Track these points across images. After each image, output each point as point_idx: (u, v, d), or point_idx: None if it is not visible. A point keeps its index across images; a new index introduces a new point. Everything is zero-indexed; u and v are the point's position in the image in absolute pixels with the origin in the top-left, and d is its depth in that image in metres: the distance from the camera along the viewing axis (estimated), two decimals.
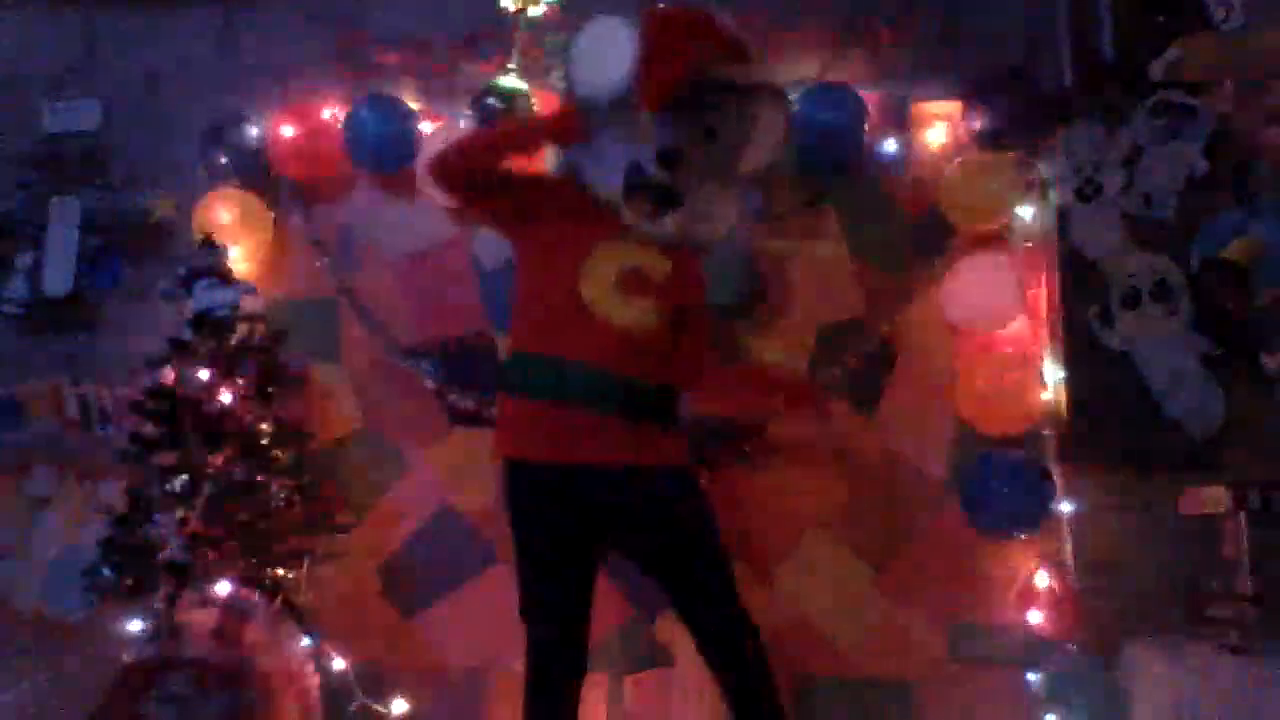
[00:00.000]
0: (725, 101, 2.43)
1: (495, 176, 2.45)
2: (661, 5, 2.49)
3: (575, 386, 2.33)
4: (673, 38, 2.33)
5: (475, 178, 2.45)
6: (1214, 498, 2.72)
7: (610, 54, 2.31)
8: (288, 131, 3.31)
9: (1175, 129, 3.02)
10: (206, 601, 2.82)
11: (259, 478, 2.93)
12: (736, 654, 2.38)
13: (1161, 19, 3.06)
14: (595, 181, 2.42)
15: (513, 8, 3.18)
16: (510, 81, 3.16)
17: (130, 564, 2.86)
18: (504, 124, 2.67)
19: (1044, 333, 3.11)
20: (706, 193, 2.44)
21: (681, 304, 2.47)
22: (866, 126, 3.12)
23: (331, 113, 3.33)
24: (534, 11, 3.17)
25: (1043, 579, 2.95)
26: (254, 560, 2.90)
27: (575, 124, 2.40)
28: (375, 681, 3.06)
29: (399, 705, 3.04)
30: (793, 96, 3.10)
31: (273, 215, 3.36)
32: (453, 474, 3.23)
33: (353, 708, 3.01)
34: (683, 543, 2.40)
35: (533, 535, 2.41)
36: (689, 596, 2.41)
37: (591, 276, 2.36)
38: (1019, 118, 3.08)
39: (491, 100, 3.14)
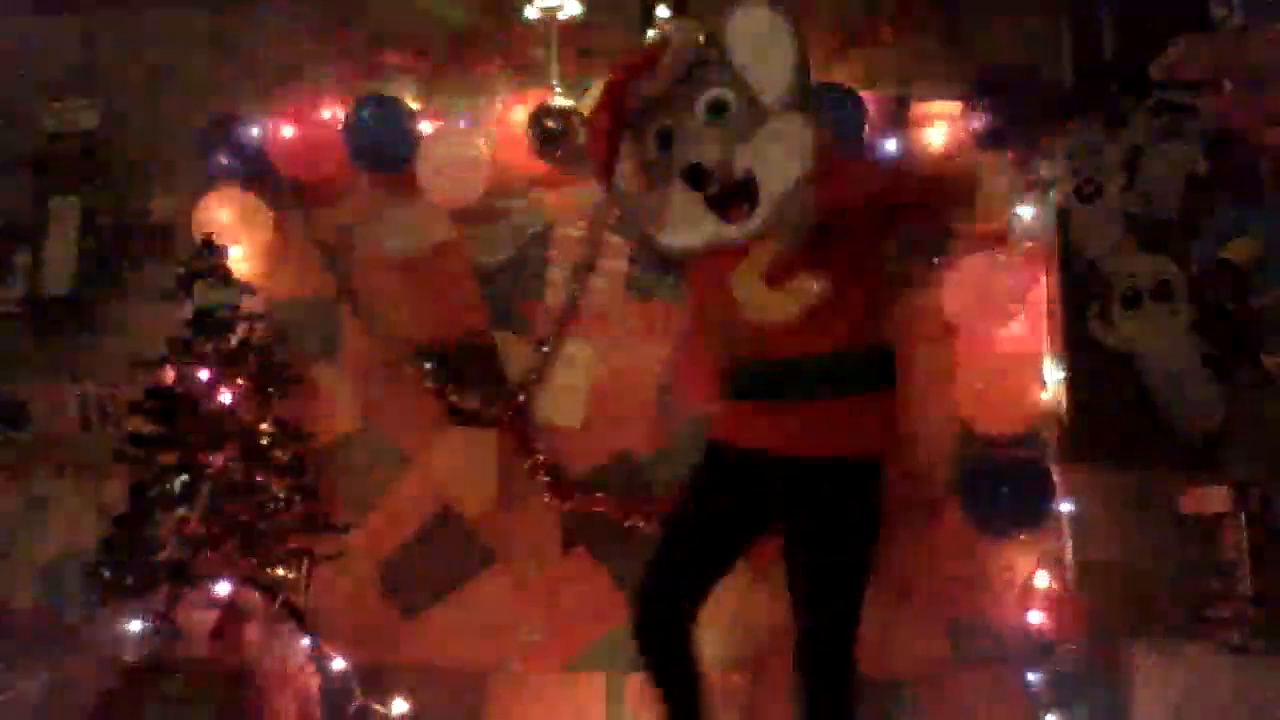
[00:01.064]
0: (699, 72, 2.37)
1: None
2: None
3: (759, 383, 2.36)
4: (598, 129, 2.42)
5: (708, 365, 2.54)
6: (1214, 498, 2.72)
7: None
8: (288, 131, 3.31)
9: (1175, 129, 3.01)
10: (206, 601, 2.82)
11: (259, 478, 2.94)
12: (821, 675, 2.40)
13: (1161, 19, 3.06)
14: (690, 241, 2.41)
15: (536, 15, 3.18)
16: (561, 101, 3.15)
17: (130, 564, 2.86)
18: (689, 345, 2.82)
19: (1044, 333, 3.11)
20: (765, 148, 2.33)
21: (838, 228, 2.33)
22: (866, 126, 3.12)
23: (331, 113, 3.33)
24: (562, 17, 3.18)
25: (1043, 579, 2.95)
26: (254, 560, 2.90)
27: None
28: (375, 681, 3.06)
29: (399, 705, 3.03)
30: None
31: (273, 215, 3.37)
32: (453, 474, 3.23)
33: (353, 708, 3.01)
34: (827, 540, 2.36)
35: (699, 504, 2.45)
36: (808, 596, 2.38)
37: (745, 298, 2.35)
38: (1019, 118, 3.08)
39: (550, 123, 3.14)
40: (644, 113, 2.42)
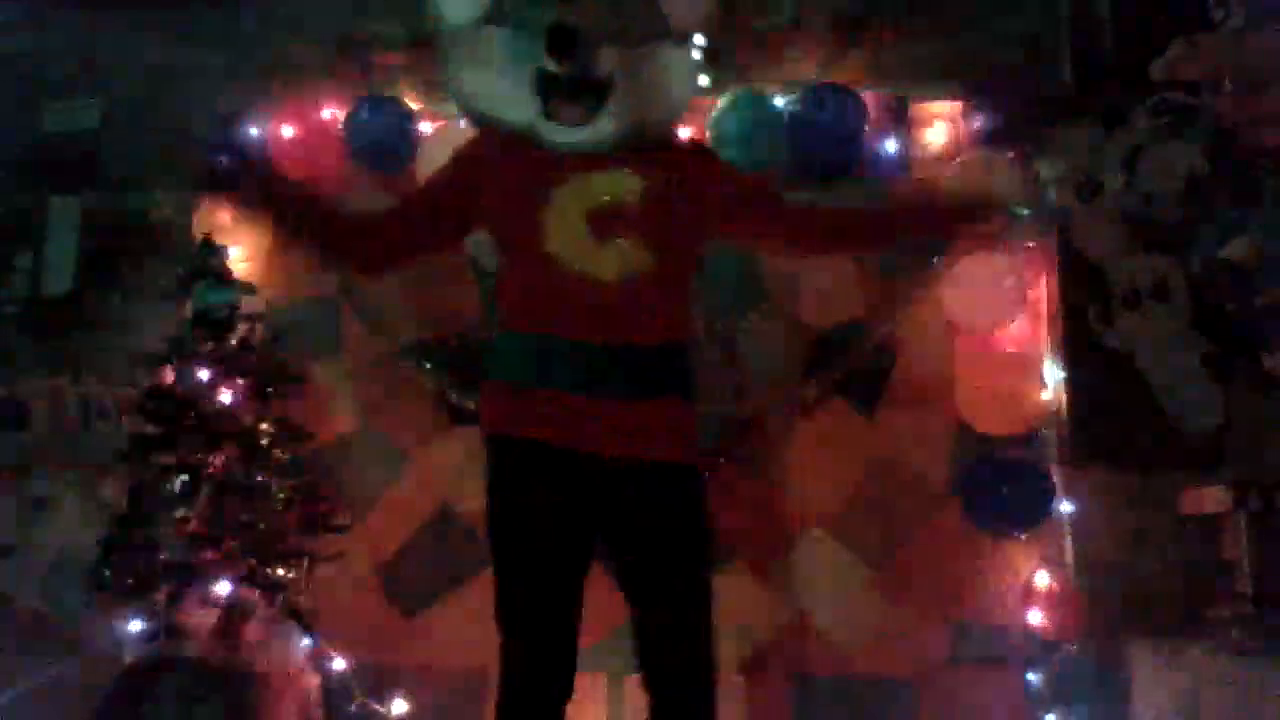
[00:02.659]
0: None
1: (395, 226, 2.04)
2: None
3: (560, 367, 1.95)
4: None
5: (385, 253, 2.07)
6: (1214, 498, 2.72)
7: None
8: (288, 131, 3.31)
9: (1175, 129, 3.02)
10: (206, 601, 2.82)
11: (259, 478, 2.94)
12: (680, 700, 2.00)
13: (1161, 19, 3.06)
14: (507, 115, 1.96)
15: None
16: None
17: (130, 564, 2.86)
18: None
19: (1044, 333, 3.11)
20: (640, 61, 1.94)
21: (685, 211, 2.00)
22: (866, 126, 3.12)
23: (331, 113, 3.34)
24: None
25: (1043, 579, 2.95)
26: (254, 560, 2.90)
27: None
28: (375, 681, 3.06)
29: (399, 705, 3.03)
30: (793, 96, 3.13)
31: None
32: (453, 474, 3.23)
33: (353, 708, 3.01)
34: (667, 552, 2.01)
35: (517, 523, 2.06)
36: (652, 615, 2.03)
37: (557, 230, 1.93)
38: (1019, 118, 3.08)
39: None
40: None
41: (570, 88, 1.90)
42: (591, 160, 1.95)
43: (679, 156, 2.08)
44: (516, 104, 1.93)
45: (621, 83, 1.92)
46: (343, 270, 2.18)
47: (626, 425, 1.95)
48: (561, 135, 1.94)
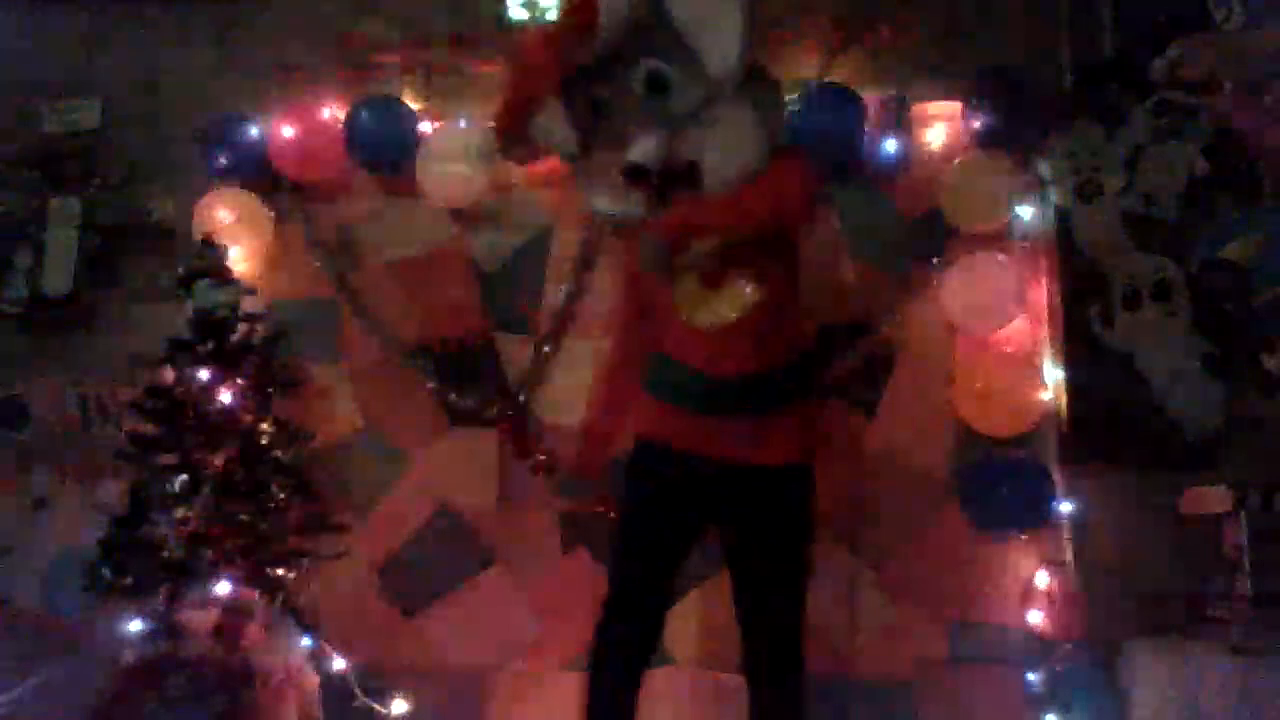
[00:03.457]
0: (635, 36, 2.15)
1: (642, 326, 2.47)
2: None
3: (694, 393, 2.31)
4: (519, 96, 2.25)
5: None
6: (1214, 498, 2.72)
7: None
8: (288, 131, 3.31)
9: (1175, 129, 3.02)
10: (206, 601, 2.82)
11: (259, 478, 2.93)
12: (773, 680, 2.35)
13: (1161, 19, 3.06)
14: (631, 212, 2.29)
15: (524, 15, 3.19)
16: None
17: (130, 564, 2.86)
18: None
19: (1044, 333, 3.11)
20: (709, 139, 2.18)
21: (773, 250, 2.31)
22: (866, 126, 3.12)
23: (331, 113, 3.34)
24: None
25: (1043, 579, 2.95)
26: (254, 560, 2.90)
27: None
28: (375, 681, 3.06)
29: (399, 705, 3.03)
30: (792, 96, 3.13)
31: (273, 215, 3.37)
32: (453, 474, 3.23)
33: (353, 708, 3.00)
34: (773, 541, 2.35)
35: (642, 506, 2.40)
36: (754, 598, 2.36)
37: (682, 298, 2.31)
38: (1019, 118, 3.08)
39: None
40: (574, 80, 2.20)
41: (661, 186, 2.19)
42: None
43: (771, 183, 2.23)
44: (632, 202, 2.24)
45: (703, 160, 2.17)
46: None
47: (752, 436, 2.29)
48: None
